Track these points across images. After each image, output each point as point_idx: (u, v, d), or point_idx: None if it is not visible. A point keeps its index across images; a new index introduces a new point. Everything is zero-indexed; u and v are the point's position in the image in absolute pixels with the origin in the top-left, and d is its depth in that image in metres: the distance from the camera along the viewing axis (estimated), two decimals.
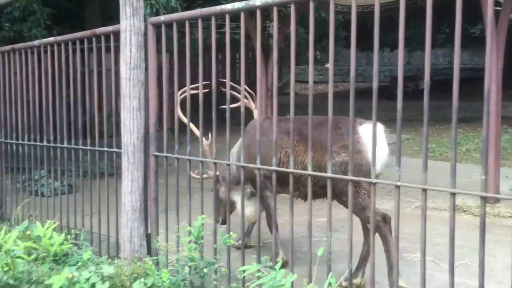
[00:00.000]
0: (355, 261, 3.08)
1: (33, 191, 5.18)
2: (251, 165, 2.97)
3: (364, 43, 19.75)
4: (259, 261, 2.77)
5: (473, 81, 18.67)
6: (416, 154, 10.03)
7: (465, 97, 13.81)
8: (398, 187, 2.35)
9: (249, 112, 4.14)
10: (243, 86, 3.38)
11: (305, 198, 3.58)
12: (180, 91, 3.79)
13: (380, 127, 2.95)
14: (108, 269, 2.64)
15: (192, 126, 3.54)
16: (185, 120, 3.56)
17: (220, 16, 3.12)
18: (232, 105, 3.17)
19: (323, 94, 21.15)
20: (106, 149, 3.97)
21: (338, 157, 3.30)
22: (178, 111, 3.75)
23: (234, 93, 3.60)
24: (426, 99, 2.24)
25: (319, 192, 3.38)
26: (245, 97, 4.19)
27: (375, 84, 2.42)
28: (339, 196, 3.32)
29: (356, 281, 3.53)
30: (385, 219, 3.37)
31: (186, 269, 2.69)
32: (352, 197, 2.54)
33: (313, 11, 2.62)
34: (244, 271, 2.64)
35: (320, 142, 3.20)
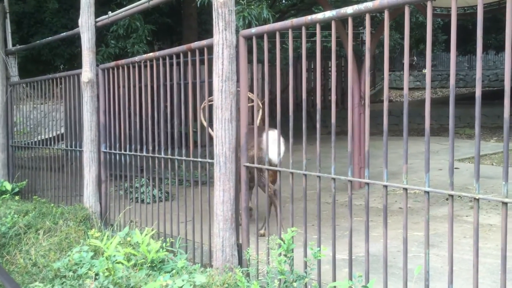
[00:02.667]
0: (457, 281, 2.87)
1: (134, 198, 5.48)
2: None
3: (465, 46, 18.66)
4: (350, 277, 2.68)
5: None
6: None
7: None
8: (505, 203, 2.14)
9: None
10: (334, 96, 3.30)
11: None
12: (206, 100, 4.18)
13: (276, 132, 3.89)
14: (200, 278, 2.69)
15: (210, 130, 3.97)
16: (205, 123, 4.23)
17: (312, 26, 3.09)
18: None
19: (421, 101, 20.27)
20: (199, 159, 4.09)
21: (251, 152, 4.38)
22: (201, 117, 3.91)
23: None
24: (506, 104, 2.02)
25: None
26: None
27: (478, 92, 2.24)
28: (258, 180, 4.56)
29: (261, 231, 4.84)
30: (275, 193, 4.77)
31: (276, 282, 2.66)
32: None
33: (408, 15, 2.49)
34: (335, 287, 2.56)
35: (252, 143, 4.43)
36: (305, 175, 3.15)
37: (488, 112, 14.19)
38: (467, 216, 5.69)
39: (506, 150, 2.16)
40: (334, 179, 2.95)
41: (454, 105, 2.34)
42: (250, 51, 3.59)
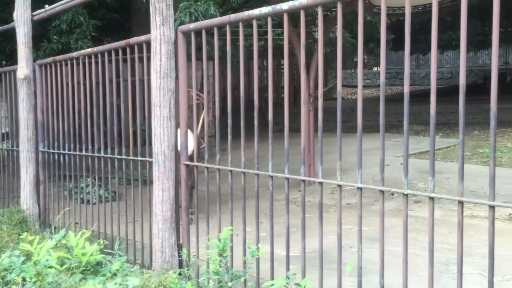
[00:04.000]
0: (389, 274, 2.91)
1: (79, 198, 5.27)
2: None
3: (413, 45, 19.22)
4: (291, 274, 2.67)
5: None
6: (468, 159, 9.56)
7: None
8: (432, 198, 2.17)
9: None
10: (271, 96, 3.27)
11: None
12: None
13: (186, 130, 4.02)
14: (133, 281, 2.61)
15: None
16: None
17: (263, 20, 3.03)
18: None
19: (371, 99, 20.73)
20: (139, 158, 3.98)
21: None
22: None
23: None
24: (461, 103, 2.06)
25: None
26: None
27: (406, 88, 2.26)
28: None
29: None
30: (193, 187, 4.82)
31: (211, 282, 2.61)
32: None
33: (341, 12, 2.49)
34: (272, 285, 2.54)
35: None
36: (244, 173, 3.12)
37: (436, 108, 14.63)
38: (410, 210, 5.83)
39: (432, 147, 2.19)
40: (271, 176, 2.93)
41: (384, 103, 2.36)
42: (200, 49, 3.51)
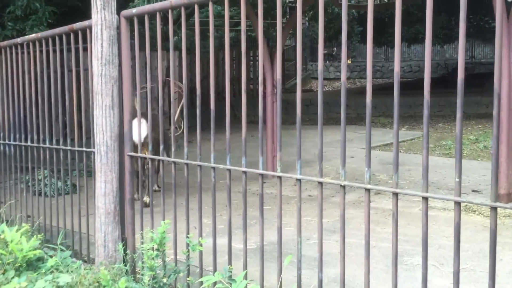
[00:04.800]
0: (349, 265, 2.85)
1: (37, 191, 5.03)
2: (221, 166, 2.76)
3: (381, 38, 19.30)
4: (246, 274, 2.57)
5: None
6: (430, 151, 9.66)
7: (486, 93, 13.36)
8: (368, 190, 2.11)
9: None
10: (212, 85, 3.16)
11: None
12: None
13: (142, 121, 4.15)
14: (64, 278, 2.48)
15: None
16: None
17: (234, 10, 2.91)
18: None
19: (340, 91, 20.81)
20: (84, 149, 3.82)
21: None
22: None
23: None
24: (426, 98, 1.99)
25: None
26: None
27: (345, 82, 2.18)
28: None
29: (145, 199, 5.40)
30: (158, 171, 5.37)
31: (146, 278, 2.50)
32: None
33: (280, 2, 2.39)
34: (203, 282, 2.44)
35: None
36: (187, 164, 3.00)
37: (401, 101, 14.74)
38: (372, 202, 5.82)
39: (368, 143, 2.13)
40: (213, 168, 2.83)
41: (322, 96, 2.28)
42: (167, 38, 3.35)
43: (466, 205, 5.66)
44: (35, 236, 3.27)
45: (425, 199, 1.91)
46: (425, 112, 1.87)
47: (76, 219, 4.18)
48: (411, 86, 13.60)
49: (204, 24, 4.35)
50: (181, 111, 6.58)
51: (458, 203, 1.80)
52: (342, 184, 2.19)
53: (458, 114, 1.80)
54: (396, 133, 2.01)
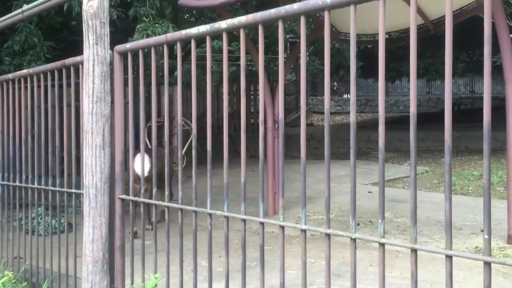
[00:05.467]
0: None
1: (30, 229, 4.74)
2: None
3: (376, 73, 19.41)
4: None
5: (497, 110, 17.93)
6: (435, 187, 9.40)
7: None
8: (382, 245, 1.87)
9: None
10: (209, 122, 2.96)
11: None
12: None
13: (145, 156, 4.12)
14: None
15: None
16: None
17: (235, 46, 2.75)
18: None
19: (341, 125, 20.69)
20: (74, 190, 3.60)
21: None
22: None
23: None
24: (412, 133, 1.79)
25: None
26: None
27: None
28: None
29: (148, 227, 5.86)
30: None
31: None
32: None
33: (282, 30, 2.22)
34: None
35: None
36: (181, 209, 2.77)
37: (403, 136, 14.60)
38: (376, 243, 5.53)
39: (382, 186, 1.90)
40: (210, 214, 2.59)
41: (305, 129, 2.07)
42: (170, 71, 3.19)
43: (477, 246, 5.39)
44: (21, 285, 3.01)
45: (449, 257, 1.67)
46: (446, 158, 1.65)
47: (64, 261, 3.90)
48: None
49: (205, 58, 4.23)
50: (188, 147, 6.84)
51: (488, 263, 1.57)
52: (327, 233, 1.96)
53: (447, 160, 1.59)
54: (413, 189, 1.79)
